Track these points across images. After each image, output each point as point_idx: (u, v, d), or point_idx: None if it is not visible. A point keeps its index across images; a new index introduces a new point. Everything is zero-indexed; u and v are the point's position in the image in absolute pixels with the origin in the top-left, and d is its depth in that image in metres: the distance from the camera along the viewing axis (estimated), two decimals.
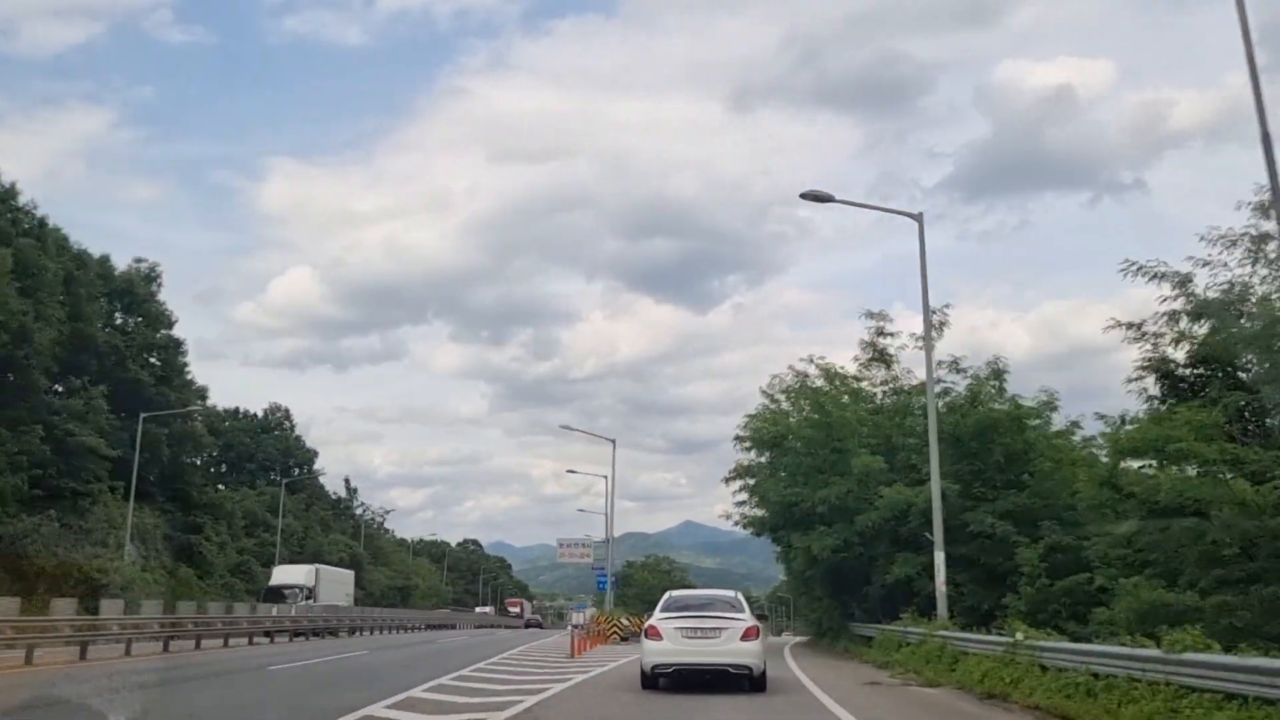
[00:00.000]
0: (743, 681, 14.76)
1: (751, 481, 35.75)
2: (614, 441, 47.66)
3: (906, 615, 23.03)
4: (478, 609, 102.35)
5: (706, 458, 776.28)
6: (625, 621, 38.22)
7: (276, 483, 71.93)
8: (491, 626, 76.48)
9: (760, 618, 16.02)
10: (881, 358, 33.30)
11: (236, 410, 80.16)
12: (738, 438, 35.34)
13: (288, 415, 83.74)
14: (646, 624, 15.86)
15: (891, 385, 33.66)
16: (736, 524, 37.88)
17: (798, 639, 49.74)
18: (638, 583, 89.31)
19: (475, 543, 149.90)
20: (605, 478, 48.07)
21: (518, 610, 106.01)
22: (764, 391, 36.03)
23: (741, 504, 36.69)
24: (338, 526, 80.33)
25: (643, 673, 15.19)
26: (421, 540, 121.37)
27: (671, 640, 14.81)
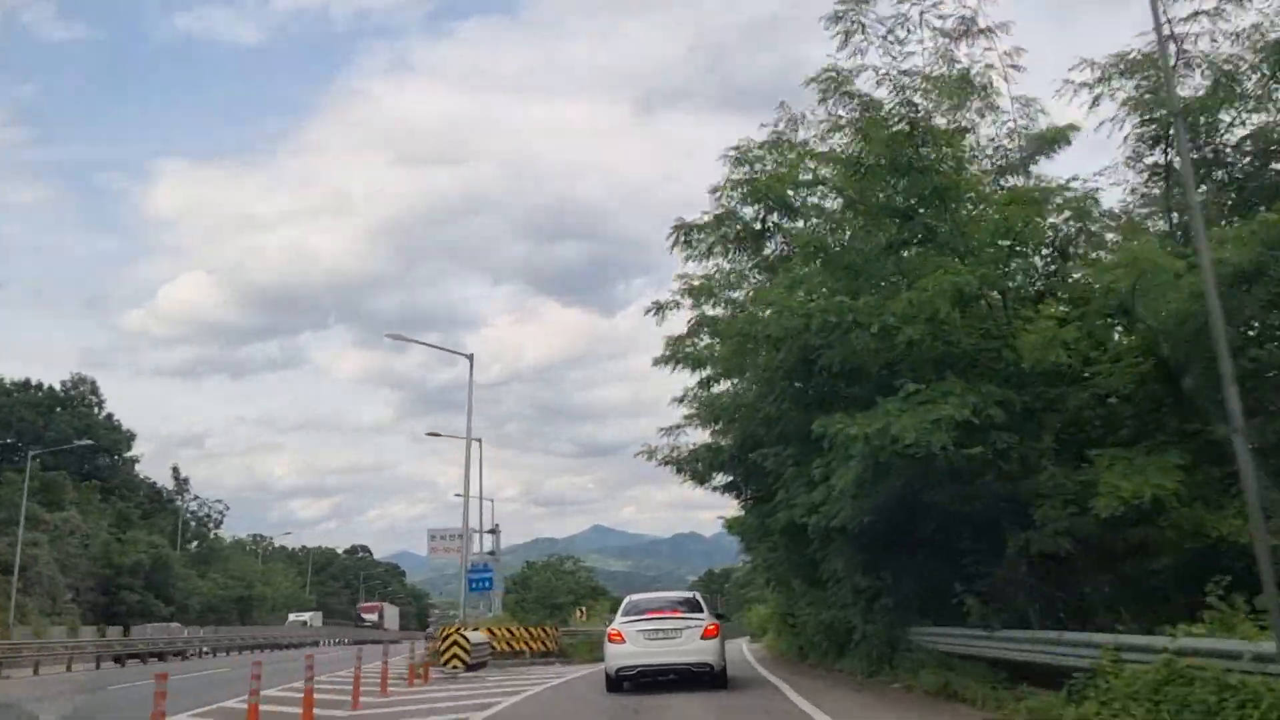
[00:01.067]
0: (704, 678, 15.15)
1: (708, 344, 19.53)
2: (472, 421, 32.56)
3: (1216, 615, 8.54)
4: (293, 616, 76.33)
5: (615, 462, 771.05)
6: (473, 638, 24.92)
7: (75, 469, 58.55)
8: (315, 643, 60.34)
9: (719, 618, 16.58)
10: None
11: (27, 382, 65.23)
12: (680, 231, 17.02)
13: (94, 389, 68.69)
14: (609, 629, 16.24)
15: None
16: (682, 465, 22.36)
17: (751, 645, 39.92)
18: (538, 585, 75.57)
19: (365, 549, 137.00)
20: (476, 440, 35.80)
21: (374, 618, 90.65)
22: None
23: (690, 419, 21.52)
24: (151, 524, 64.90)
25: (607, 676, 15.68)
26: (304, 548, 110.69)
27: (634, 643, 15.29)
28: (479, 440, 40.74)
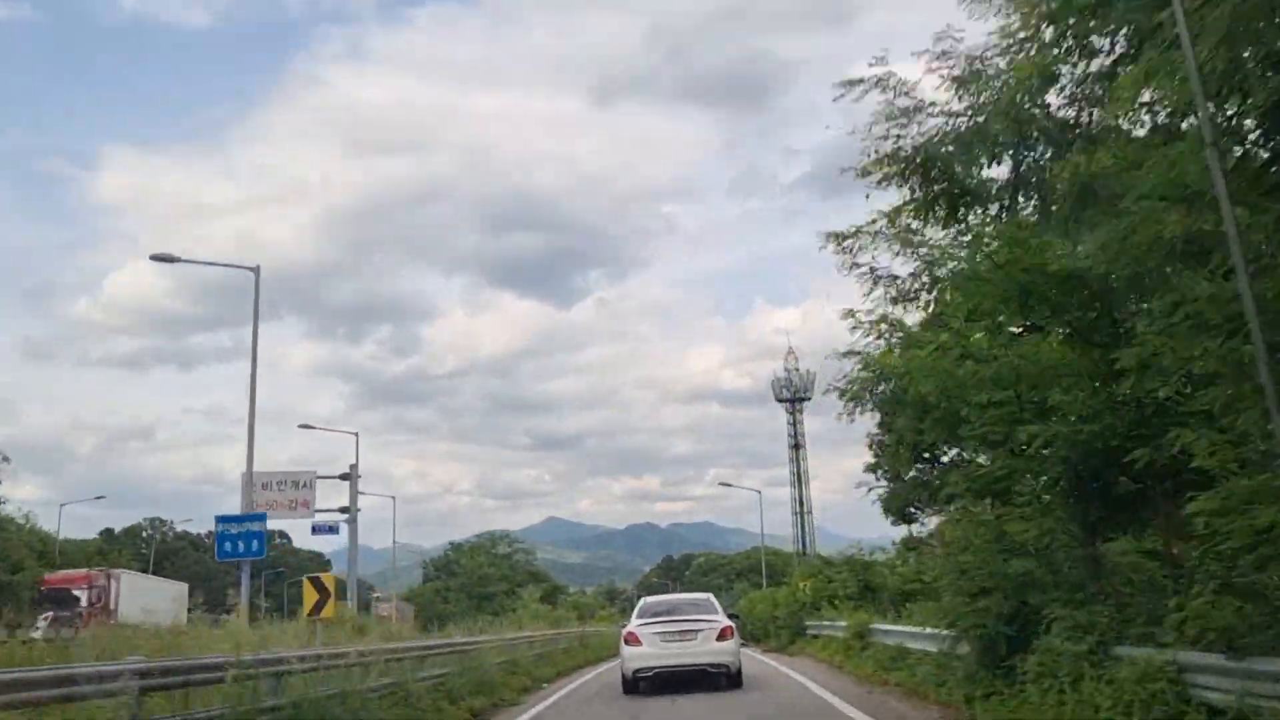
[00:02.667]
0: (720, 679, 15.59)
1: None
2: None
3: None
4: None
5: (569, 453, 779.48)
6: None
7: None
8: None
9: (733, 618, 16.89)
10: None
11: None
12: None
13: None
14: (625, 630, 16.60)
15: None
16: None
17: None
18: (465, 570, 68.48)
19: (283, 535, 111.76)
20: (354, 434, 35.73)
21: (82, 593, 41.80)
22: None
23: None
24: None
25: (624, 678, 15.82)
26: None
27: (650, 645, 15.53)
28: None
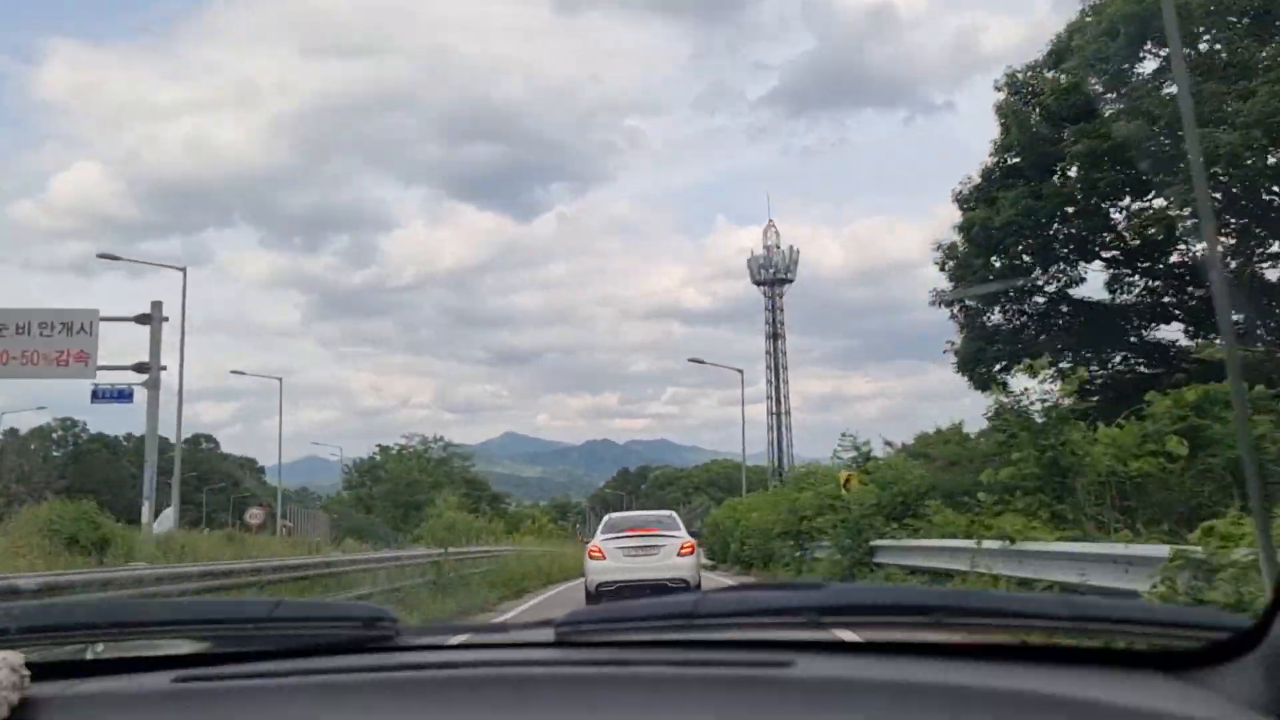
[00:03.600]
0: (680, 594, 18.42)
1: None
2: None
3: None
4: None
5: (528, 369, 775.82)
6: None
7: None
8: None
9: (694, 535, 17.47)
10: None
11: None
12: None
13: None
14: (589, 544, 17.04)
15: None
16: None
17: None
18: (391, 475, 59.39)
19: (209, 438, 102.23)
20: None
21: None
22: None
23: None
24: None
25: (587, 592, 16.21)
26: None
27: (614, 559, 15.98)
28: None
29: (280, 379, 42.71)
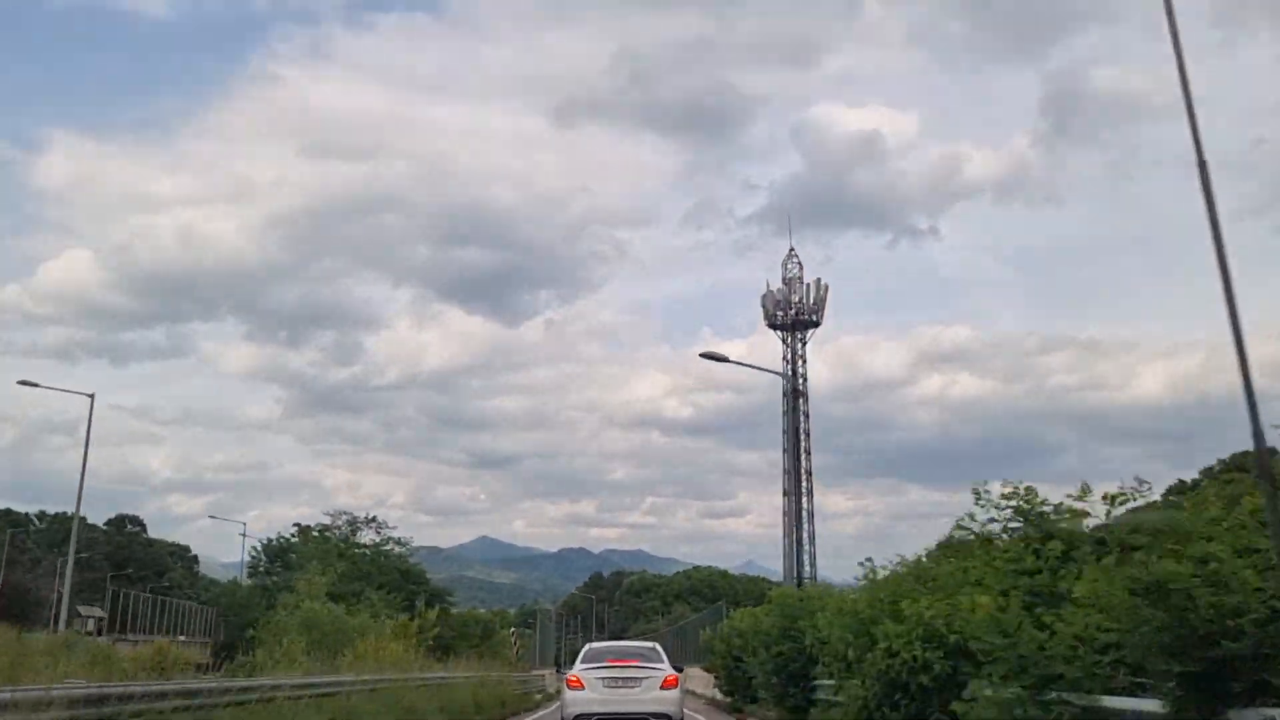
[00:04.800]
0: None
1: None
2: None
3: None
4: None
5: (507, 474, 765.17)
6: None
7: None
8: None
9: (677, 669, 16.50)
10: None
11: None
12: None
13: None
14: (567, 674, 16.50)
15: None
16: None
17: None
18: (302, 558, 46.24)
19: (135, 520, 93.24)
20: None
21: None
22: None
23: None
24: None
25: None
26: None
27: (593, 689, 15.44)
28: None
29: (92, 395, 34.47)
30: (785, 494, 58.68)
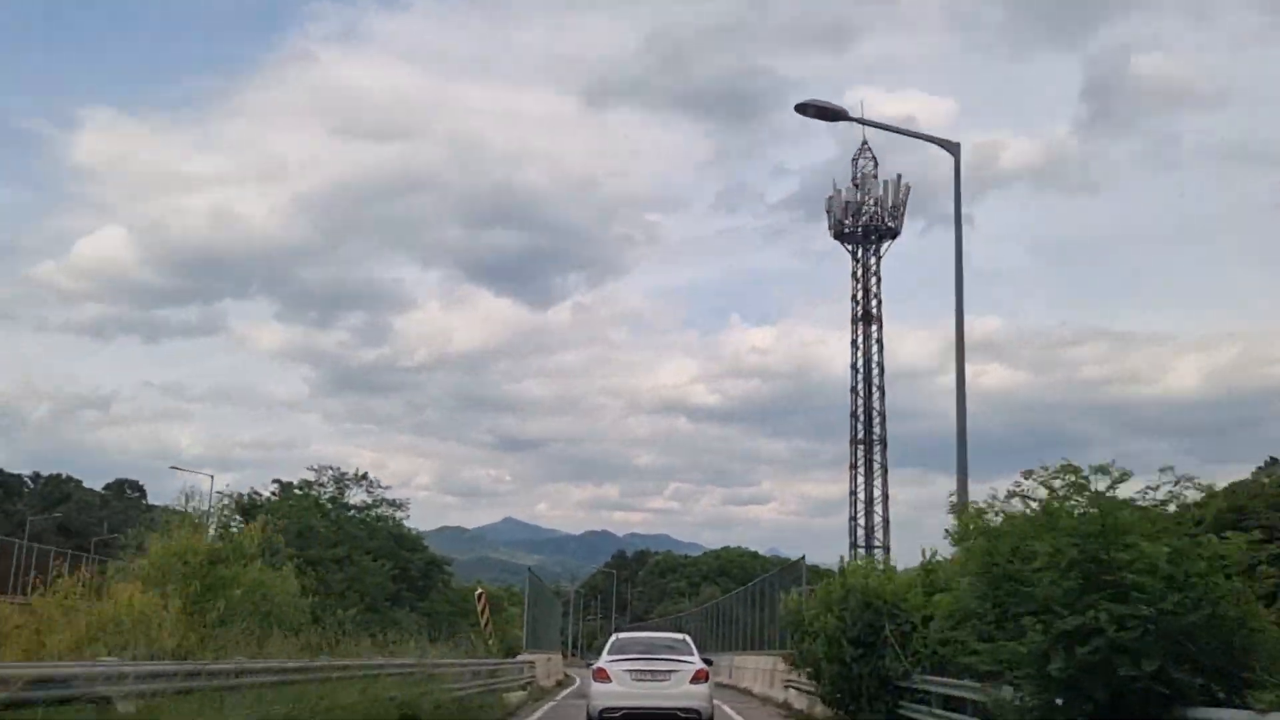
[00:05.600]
0: None
1: None
2: None
3: None
4: None
5: (532, 456, 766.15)
6: None
7: None
8: None
9: (706, 662, 15.98)
10: None
11: None
12: None
13: None
14: (595, 666, 16.14)
15: None
16: None
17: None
18: (277, 516, 30.75)
19: (134, 484, 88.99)
20: None
21: None
22: None
23: None
24: None
25: (589, 716, 15.20)
26: None
27: (621, 683, 15.07)
28: None
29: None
30: (856, 442, 46.32)
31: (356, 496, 44.03)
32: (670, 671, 15.12)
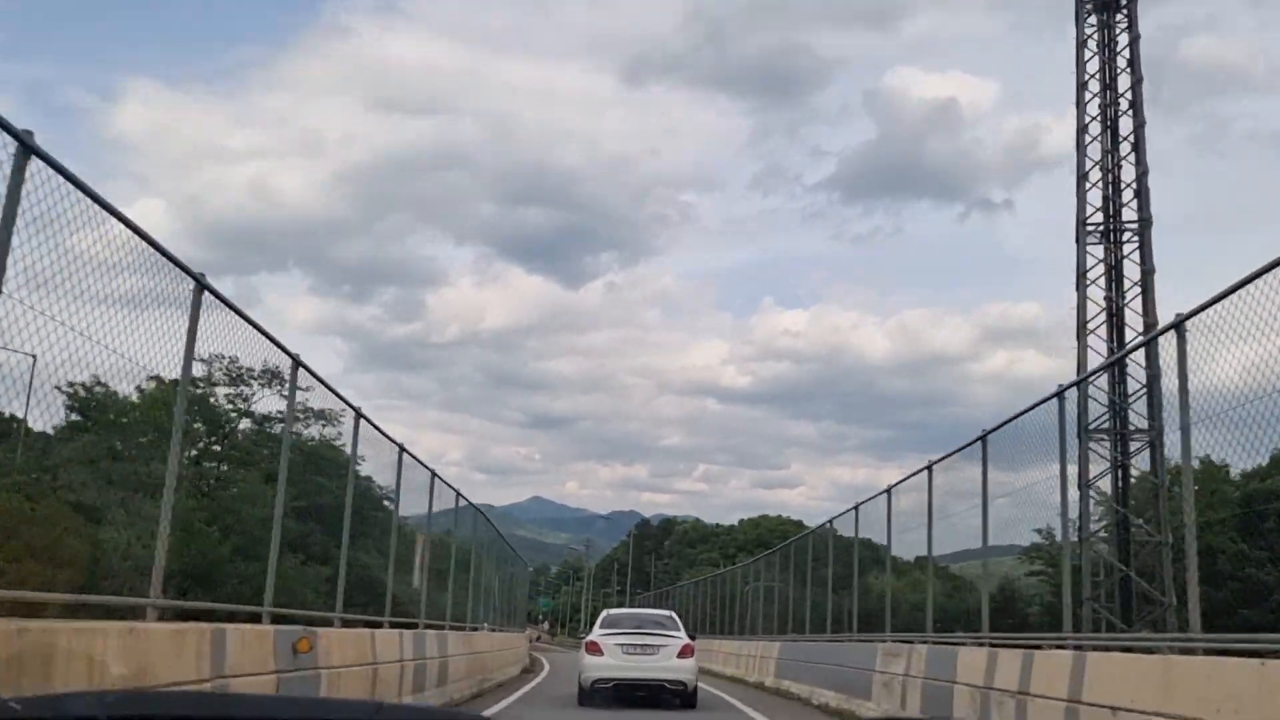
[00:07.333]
0: (675, 698, 15.96)
1: None
2: None
3: None
4: None
5: (562, 435, 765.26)
6: None
7: None
8: None
9: (691, 637, 16.77)
10: None
11: None
12: None
13: None
14: (586, 639, 16.85)
15: None
16: None
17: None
18: (136, 424, 19.36)
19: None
20: None
21: None
22: None
23: None
24: None
25: (581, 688, 16.08)
26: None
27: (612, 655, 15.89)
28: None
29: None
30: (1084, 225, 24.77)
31: (270, 405, 26.62)
32: (659, 646, 16.06)
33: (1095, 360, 24.05)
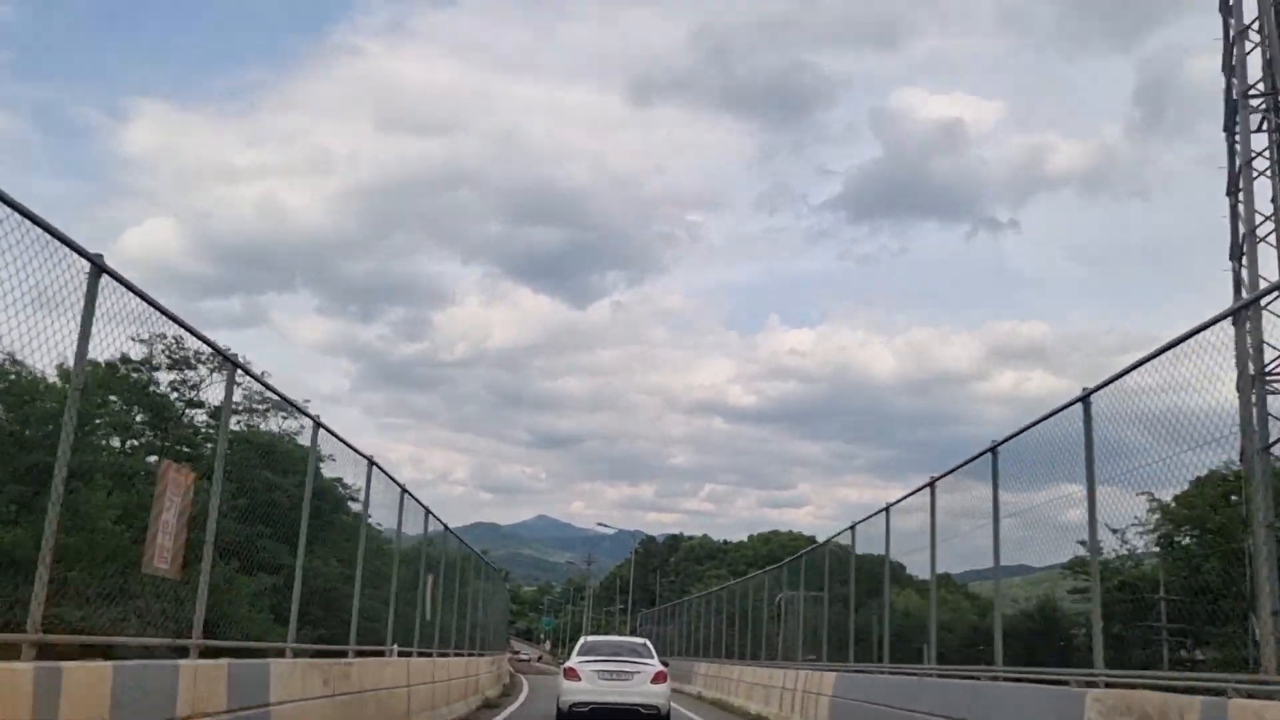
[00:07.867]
0: None
1: None
2: None
3: None
4: None
5: (568, 454, 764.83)
6: None
7: None
8: None
9: (664, 664, 17.55)
10: None
11: None
12: None
13: None
14: (565, 665, 17.39)
15: None
16: None
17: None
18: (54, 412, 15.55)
19: None
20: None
21: None
22: None
23: None
24: None
25: (559, 711, 16.51)
26: None
27: (589, 681, 16.41)
28: None
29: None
30: (1234, 130, 21.79)
31: (213, 393, 22.66)
32: (633, 672, 16.61)
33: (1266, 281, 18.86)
